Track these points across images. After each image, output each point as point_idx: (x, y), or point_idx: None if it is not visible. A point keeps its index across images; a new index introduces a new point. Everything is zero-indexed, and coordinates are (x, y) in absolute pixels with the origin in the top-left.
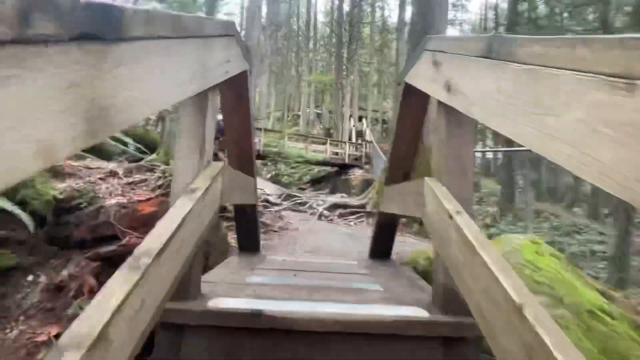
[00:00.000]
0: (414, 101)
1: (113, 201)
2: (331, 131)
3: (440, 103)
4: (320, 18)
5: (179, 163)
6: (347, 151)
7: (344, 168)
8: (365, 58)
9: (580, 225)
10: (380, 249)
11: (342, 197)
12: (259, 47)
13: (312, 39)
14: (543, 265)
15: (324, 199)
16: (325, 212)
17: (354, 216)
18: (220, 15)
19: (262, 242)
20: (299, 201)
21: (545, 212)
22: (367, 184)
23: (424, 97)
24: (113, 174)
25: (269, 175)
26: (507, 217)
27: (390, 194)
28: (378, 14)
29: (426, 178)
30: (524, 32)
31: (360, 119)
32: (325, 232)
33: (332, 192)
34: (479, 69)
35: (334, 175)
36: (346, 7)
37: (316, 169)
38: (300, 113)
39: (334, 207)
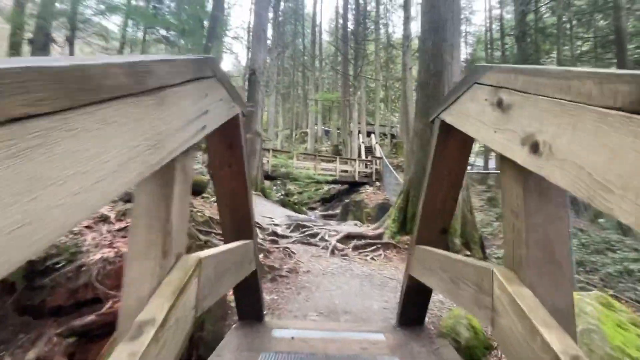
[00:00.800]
0: (454, 144)
1: (98, 255)
2: (340, 148)
3: (508, 161)
4: (325, 37)
5: (133, 265)
6: (356, 169)
7: (354, 186)
8: (371, 74)
9: (611, 241)
10: (411, 315)
11: (355, 224)
12: (265, 69)
13: (318, 58)
14: (638, 353)
15: (336, 229)
16: (339, 245)
17: (370, 249)
18: (227, 39)
19: (268, 297)
20: (309, 232)
21: (571, 227)
22: (382, 209)
23: (469, 140)
24: (104, 219)
25: (278, 195)
26: None
27: (427, 260)
28: (382, 30)
29: (495, 268)
30: (533, 42)
31: (368, 134)
32: (340, 275)
33: (344, 216)
34: (623, 131)
35: (344, 193)
36: (350, 26)
37: (326, 187)
38: (308, 130)
39: (348, 238)
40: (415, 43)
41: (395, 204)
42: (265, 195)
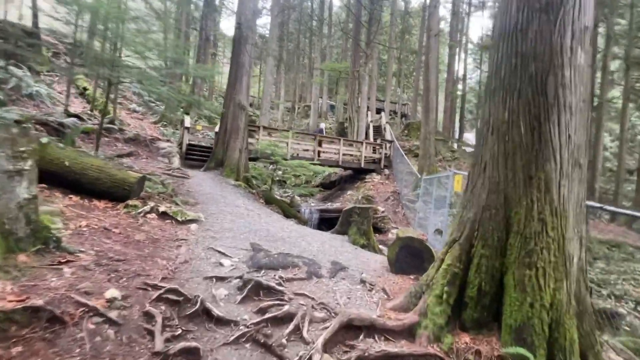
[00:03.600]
0: None
1: None
2: (345, 126)
3: None
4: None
5: None
6: (363, 153)
7: (359, 172)
8: (384, 45)
9: None
10: None
11: (362, 281)
12: (254, 22)
13: (327, 22)
14: None
15: (326, 304)
16: None
17: None
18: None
19: None
20: (275, 311)
21: (622, 241)
22: (406, 248)
23: None
24: None
25: (273, 175)
26: None
27: None
28: None
29: None
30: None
31: (377, 111)
32: None
33: (344, 227)
34: None
35: (347, 180)
36: None
37: (327, 170)
38: (311, 104)
39: (347, 330)
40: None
41: (442, 262)
42: (250, 185)
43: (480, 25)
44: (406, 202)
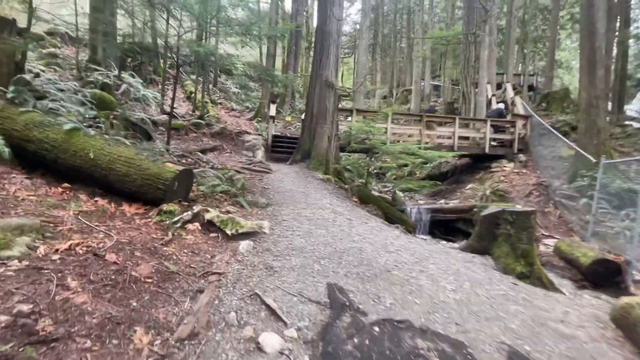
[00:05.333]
0: None
1: None
2: (455, 107)
3: None
4: None
5: None
6: (487, 134)
7: (480, 160)
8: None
9: None
10: None
11: None
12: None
13: None
14: None
15: None
16: None
17: None
18: None
19: None
20: None
21: None
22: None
23: None
24: None
25: (373, 169)
26: None
27: None
28: None
29: None
30: None
31: (499, 86)
32: None
33: (481, 241)
34: None
35: (464, 171)
36: None
37: (437, 158)
38: (412, 87)
39: None
40: None
41: None
42: (342, 179)
43: None
44: (561, 199)
